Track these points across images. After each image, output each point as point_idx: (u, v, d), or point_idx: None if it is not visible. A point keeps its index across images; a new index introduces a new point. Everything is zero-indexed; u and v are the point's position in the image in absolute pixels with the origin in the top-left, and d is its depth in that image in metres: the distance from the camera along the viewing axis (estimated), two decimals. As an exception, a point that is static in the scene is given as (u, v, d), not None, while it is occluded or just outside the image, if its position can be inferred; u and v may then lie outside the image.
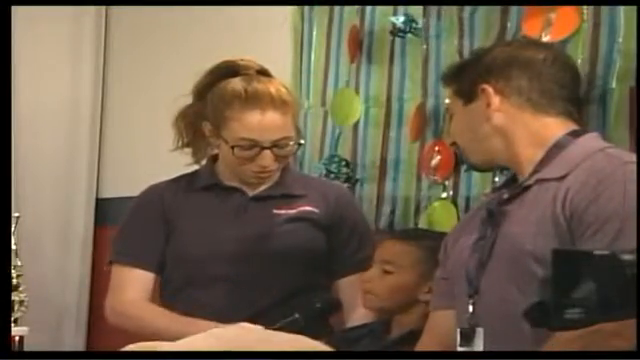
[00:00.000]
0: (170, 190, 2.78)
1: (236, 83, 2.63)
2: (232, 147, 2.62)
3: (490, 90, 2.24)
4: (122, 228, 2.82)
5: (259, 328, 2.21)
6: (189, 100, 2.75)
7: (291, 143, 2.65)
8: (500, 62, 2.27)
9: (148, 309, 2.71)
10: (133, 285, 2.73)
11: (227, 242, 2.67)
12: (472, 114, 2.28)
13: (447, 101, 2.39)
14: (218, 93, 2.64)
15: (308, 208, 2.72)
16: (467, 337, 2.19)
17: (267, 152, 2.61)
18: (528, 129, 2.23)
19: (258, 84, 2.62)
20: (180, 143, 2.76)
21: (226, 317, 2.50)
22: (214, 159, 2.78)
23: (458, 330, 2.21)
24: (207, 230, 2.69)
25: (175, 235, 2.73)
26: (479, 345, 2.17)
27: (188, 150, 2.77)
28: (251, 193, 2.73)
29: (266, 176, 2.68)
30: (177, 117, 2.75)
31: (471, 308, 2.20)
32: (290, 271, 2.68)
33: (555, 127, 2.23)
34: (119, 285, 2.76)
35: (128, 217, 2.82)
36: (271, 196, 2.72)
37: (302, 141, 2.78)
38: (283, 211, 2.70)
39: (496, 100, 2.24)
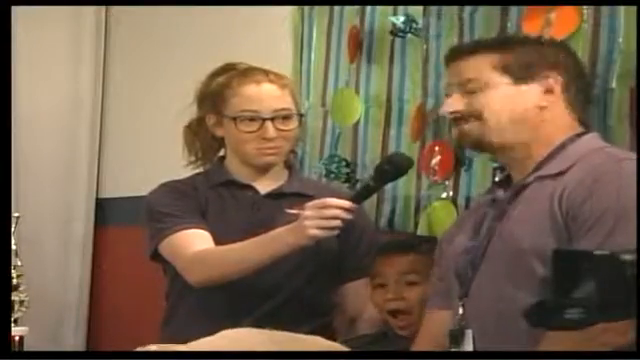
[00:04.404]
0: (197, 184, 2.77)
1: (232, 72, 2.77)
2: (234, 120, 2.68)
3: (560, 79, 2.24)
4: (156, 213, 2.72)
5: (265, 331, 2.21)
6: (192, 107, 2.80)
7: (292, 117, 2.72)
8: (563, 59, 2.28)
9: (218, 248, 2.63)
10: (194, 241, 2.64)
11: (240, 239, 2.65)
12: (522, 94, 2.25)
13: (467, 71, 2.32)
14: (217, 82, 2.76)
15: None
16: (456, 339, 2.19)
17: (269, 123, 2.68)
18: (557, 127, 2.25)
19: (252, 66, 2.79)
20: (193, 158, 2.80)
21: (233, 316, 2.50)
22: (221, 160, 2.80)
23: (448, 332, 2.21)
24: (224, 226, 2.68)
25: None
26: (469, 347, 2.17)
27: (200, 162, 2.81)
28: (263, 191, 2.74)
29: (271, 152, 2.70)
30: (184, 130, 2.81)
31: (461, 310, 2.20)
32: (299, 272, 2.67)
33: (571, 129, 2.26)
34: (183, 248, 2.64)
35: (161, 200, 2.74)
36: (283, 194, 2.73)
37: (303, 112, 2.84)
38: (295, 210, 2.69)
39: (558, 90, 2.25)
